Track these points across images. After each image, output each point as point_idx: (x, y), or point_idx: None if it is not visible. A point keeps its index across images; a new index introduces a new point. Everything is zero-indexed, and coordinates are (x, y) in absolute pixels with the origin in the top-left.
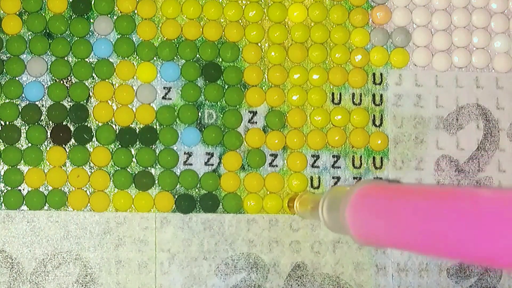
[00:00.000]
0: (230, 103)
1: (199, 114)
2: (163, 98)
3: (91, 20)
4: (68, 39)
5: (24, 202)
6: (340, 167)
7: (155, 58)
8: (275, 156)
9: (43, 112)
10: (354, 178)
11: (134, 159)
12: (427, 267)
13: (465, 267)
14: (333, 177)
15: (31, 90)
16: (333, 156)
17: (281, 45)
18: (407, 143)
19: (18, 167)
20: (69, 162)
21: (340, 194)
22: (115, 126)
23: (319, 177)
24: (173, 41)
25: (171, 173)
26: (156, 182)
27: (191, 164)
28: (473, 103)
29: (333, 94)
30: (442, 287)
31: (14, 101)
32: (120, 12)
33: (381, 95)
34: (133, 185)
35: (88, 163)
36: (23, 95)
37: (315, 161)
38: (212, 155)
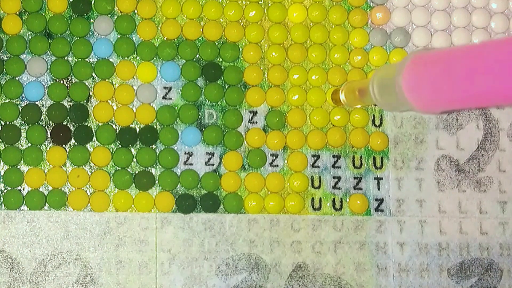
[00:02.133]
0: (231, 103)
1: (200, 114)
2: (164, 98)
3: (91, 20)
4: (68, 39)
5: (24, 202)
6: (340, 167)
7: (155, 58)
8: (275, 156)
9: (43, 112)
10: (354, 178)
11: (134, 159)
12: (428, 267)
13: (465, 267)
14: (333, 177)
15: (31, 90)
16: (333, 156)
17: (281, 45)
18: (407, 143)
19: (18, 167)
20: (69, 162)
21: (390, 69)
22: (115, 126)
23: (319, 177)
24: (173, 41)
25: (172, 173)
26: (157, 182)
27: (191, 164)
28: None
29: None
30: (443, 287)
31: (14, 101)
32: (120, 12)
33: None
34: (134, 185)
35: (88, 163)
36: (23, 95)
37: (315, 161)
38: (212, 155)
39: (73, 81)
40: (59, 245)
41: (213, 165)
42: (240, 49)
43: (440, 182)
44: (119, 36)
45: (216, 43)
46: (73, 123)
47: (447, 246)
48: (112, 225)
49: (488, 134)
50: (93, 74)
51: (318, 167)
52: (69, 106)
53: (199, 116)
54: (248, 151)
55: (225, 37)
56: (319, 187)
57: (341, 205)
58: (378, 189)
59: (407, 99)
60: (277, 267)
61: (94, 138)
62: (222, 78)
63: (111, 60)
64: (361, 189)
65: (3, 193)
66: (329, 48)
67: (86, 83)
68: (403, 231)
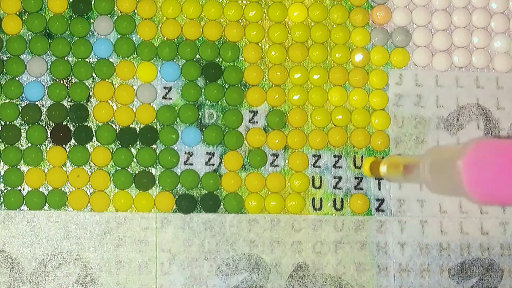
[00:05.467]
0: (231, 102)
1: (200, 114)
2: (164, 98)
3: (91, 20)
4: (68, 39)
5: (24, 202)
6: (341, 167)
7: (155, 58)
8: (276, 156)
9: (43, 112)
10: (355, 178)
11: (134, 159)
12: (429, 268)
13: (466, 267)
14: (334, 177)
15: (31, 90)
16: (334, 156)
17: (282, 45)
18: (408, 143)
19: (18, 167)
20: (69, 162)
21: (448, 154)
22: (115, 126)
23: (320, 177)
24: (173, 41)
25: (172, 173)
26: (157, 182)
27: (191, 164)
28: (474, 103)
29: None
30: (443, 287)
31: (14, 101)
32: (120, 12)
33: None
34: (134, 185)
35: (88, 163)
36: (23, 95)
37: (316, 161)
38: (213, 155)
39: (73, 81)
40: (59, 245)
41: (213, 165)
42: (240, 49)
43: None
44: (119, 36)
45: (216, 43)
46: (73, 123)
47: (447, 246)
48: (112, 225)
49: (488, 134)
50: (93, 74)
51: (319, 167)
52: (69, 106)
53: (199, 116)
54: (249, 151)
55: (225, 37)
56: (320, 187)
57: (342, 205)
58: (379, 189)
59: (465, 188)
60: (278, 267)
61: (94, 138)
62: (222, 78)
63: (111, 60)
64: (362, 189)
65: (3, 193)
66: (330, 47)
67: (86, 83)
68: (404, 231)
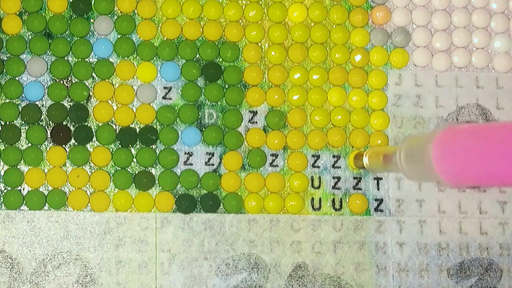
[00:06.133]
0: (231, 103)
1: (200, 114)
2: (164, 98)
3: (91, 20)
4: (68, 39)
5: (24, 202)
6: (340, 167)
7: (155, 58)
8: (275, 156)
9: (43, 112)
10: (354, 178)
11: (134, 159)
12: (428, 267)
13: (465, 267)
14: (333, 177)
15: (31, 90)
16: (333, 156)
17: (281, 45)
18: None
19: (18, 167)
20: (69, 162)
21: (420, 140)
22: (115, 126)
23: (319, 177)
24: (173, 41)
25: (172, 173)
26: (157, 182)
27: (191, 164)
28: (473, 103)
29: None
30: (442, 287)
31: (14, 101)
32: (120, 12)
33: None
34: (133, 185)
35: (88, 163)
36: (23, 95)
37: (315, 161)
38: (212, 155)
39: (73, 81)
40: (59, 245)
41: (213, 165)
42: (240, 49)
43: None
44: (119, 36)
45: (216, 43)
46: (73, 123)
47: (446, 246)
48: (112, 225)
49: None
50: (93, 74)
51: (318, 167)
52: (69, 106)
53: (199, 116)
54: (248, 151)
55: (225, 37)
56: (319, 187)
57: (341, 205)
58: (378, 189)
59: (435, 171)
60: (277, 267)
61: (94, 138)
62: (222, 78)
63: (111, 60)
64: (360, 189)
65: (3, 193)
66: (329, 47)
67: (86, 83)
68: (403, 231)
